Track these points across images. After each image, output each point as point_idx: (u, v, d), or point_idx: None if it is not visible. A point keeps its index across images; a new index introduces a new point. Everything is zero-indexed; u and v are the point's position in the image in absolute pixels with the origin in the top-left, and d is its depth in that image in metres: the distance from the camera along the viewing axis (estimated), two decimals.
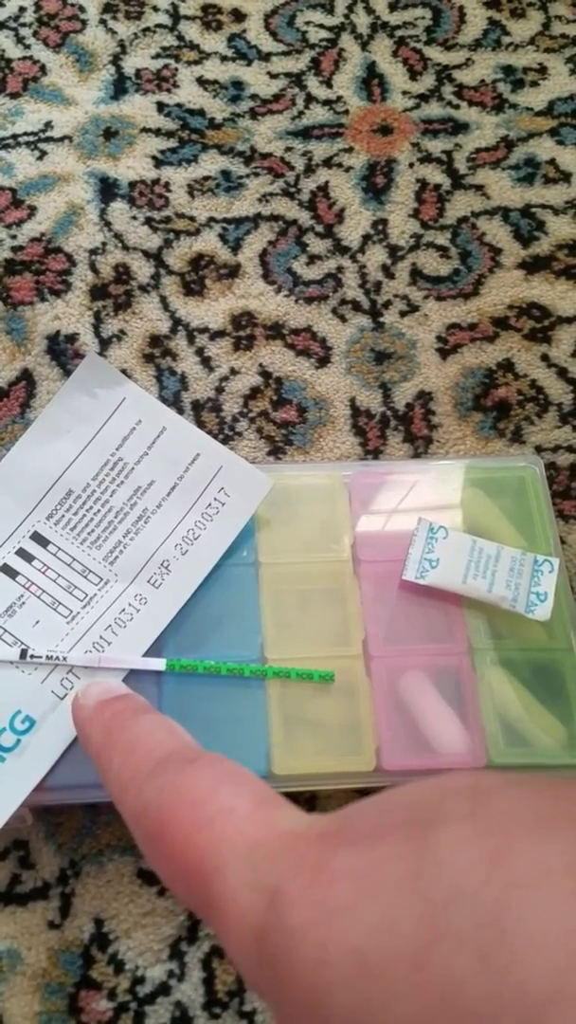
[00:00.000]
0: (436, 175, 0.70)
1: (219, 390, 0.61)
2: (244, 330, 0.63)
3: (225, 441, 0.58)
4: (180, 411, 0.60)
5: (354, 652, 0.49)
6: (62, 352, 0.62)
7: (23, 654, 0.47)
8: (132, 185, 0.68)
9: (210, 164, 0.70)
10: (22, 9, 0.78)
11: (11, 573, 0.50)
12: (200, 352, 0.63)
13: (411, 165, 0.70)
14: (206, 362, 0.62)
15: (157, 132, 0.72)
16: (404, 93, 0.75)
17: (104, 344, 0.62)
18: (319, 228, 0.67)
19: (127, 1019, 0.46)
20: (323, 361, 0.62)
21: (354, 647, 0.49)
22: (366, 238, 0.67)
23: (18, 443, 0.53)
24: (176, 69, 0.75)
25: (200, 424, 0.60)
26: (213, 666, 0.48)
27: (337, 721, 0.48)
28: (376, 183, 0.69)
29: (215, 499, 0.52)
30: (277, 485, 0.53)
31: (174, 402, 0.61)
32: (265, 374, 0.62)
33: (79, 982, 0.46)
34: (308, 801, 0.50)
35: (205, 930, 0.47)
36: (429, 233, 0.67)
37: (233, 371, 0.62)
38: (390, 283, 0.65)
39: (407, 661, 0.49)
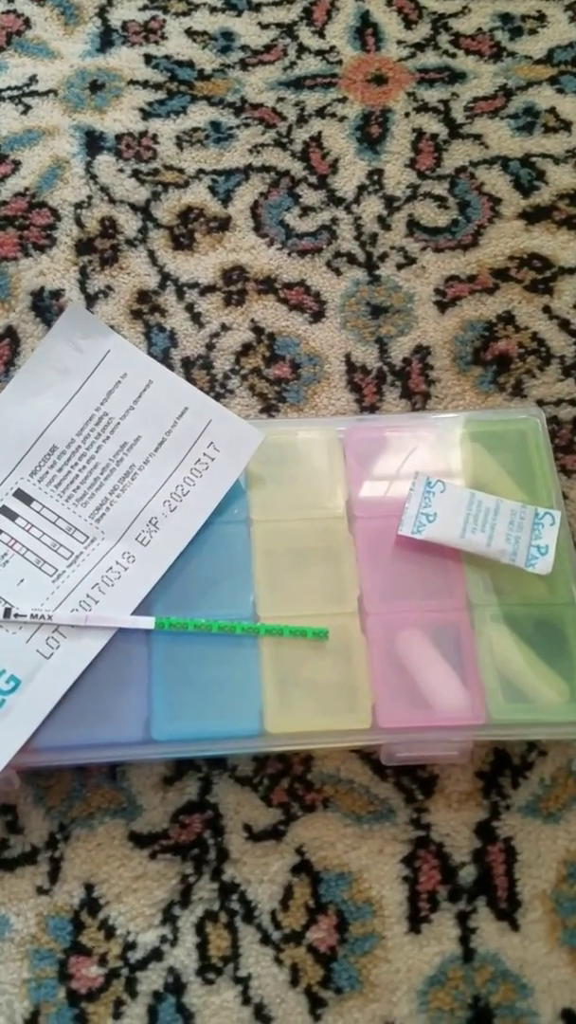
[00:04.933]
0: (433, 124, 0.68)
1: (210, 347, 0.59)
2: (235, 284, 0.61)
3: (217, 399, 0.56)
4: (170, 369, 0.58)
5: (349, 609, 0.47)
6: (47, 308, 0.60)
7: (7, 613, 0.46)
8: (119, 138, 0.66)
9: (199, 115, 0.68)
10: None
11: None
12: (190, 308, 0.61)
13: (407, 115, 0.68)
14: (196, 318, 0.60)
15: (144, 84, 0.69)
16: (399, 42, 0.72)
17: (90, 300, 0.61)
18: (312, 179, 0.65)
19: (118, 985, 0.44)
20: (317, 316, 0.60)
21: (349, 604, 0.48)
22: (361, 189, 0.65)
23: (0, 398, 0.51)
24: (164, 21, 0.73)
25: (191, 382, 0.58)
26: (204, 624, 0.47)
27: (332, 679, 0.46)
28: (371, 133, 0.67)
29: (204, 454, 0.50)
30: (270, 441, 0.51)
31: (164, 359, 0.59)
32: (257, 330, 0.60)
33: (69, 948, 0.45)
34: (304, 761, 0.48)
35: (199, 894, 0.46)
36: (426, 183, 0.65)
37: (224, 327, 0.60)
38: (386, 235, 0.63)
39: (404, 618, 0.47)
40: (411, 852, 0.47)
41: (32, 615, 0.46)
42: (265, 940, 0.45)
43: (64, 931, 0.45)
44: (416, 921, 0.45)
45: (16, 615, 0.46)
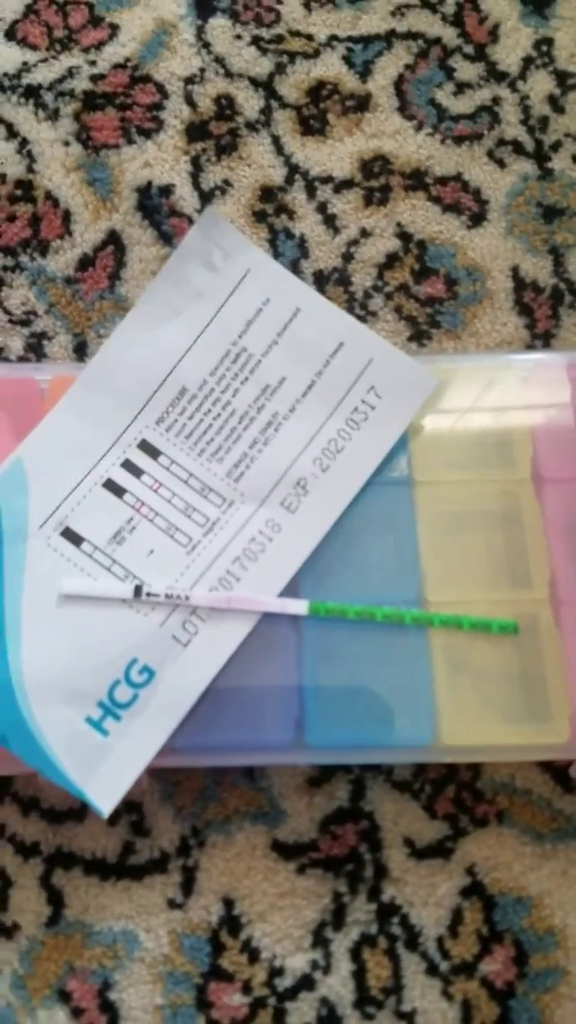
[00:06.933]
0: None
1: (347, 257, 0.50)
2: (377, 179, 0.51)
3: None
4: None
5: (538, 596, 0.40)
6: (155, 209, 0.51)
7: (137, 591, 0.39)
8: None
9: None
10: None
11: (117, 491, 0.40)
12: (322, 208, 0.51)
13: None
14: (330, 221, 0.51)
15: None
16: None
17: (205, 198, 0.51)
18: (468, 49, 0.54)
19: (265, 1017, 0.39)
20: (477, 219, 0.50)
21: (538, 589, 0.40)
22: (527, 61, 0.54)
23: (117, 330, 0.42)
24: None
25: None
26: (366, 611, 0.39)
27: (518, 681, 0.39)
28: None
29: (363, 401, 0.42)
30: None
31: (292, 273, 0.50)
32: (404, 236, 0.50)
33: (208, 972, 0.40)
34: (472, 765, 0.42)
35: (354, 915, 0.40)
36: None
37: (364, 232, 0.50)
38: (559, 119, 0.52)
39: None
40: None
41: (167, 594, 0.39)
42: (432, 971, 0.39)
43: (202, 952, 0.40)
44: None
45: (148, 594, 0.39)
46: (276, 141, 0.52)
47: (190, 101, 0.53)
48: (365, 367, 0.42)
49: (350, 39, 0.54)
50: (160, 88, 0.53)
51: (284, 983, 0.39)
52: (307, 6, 0.55)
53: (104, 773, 0.37)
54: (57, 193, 0.51)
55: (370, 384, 0.41)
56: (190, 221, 0.50)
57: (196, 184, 0.51)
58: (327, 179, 0.52)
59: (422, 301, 0.49)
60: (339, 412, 0.41)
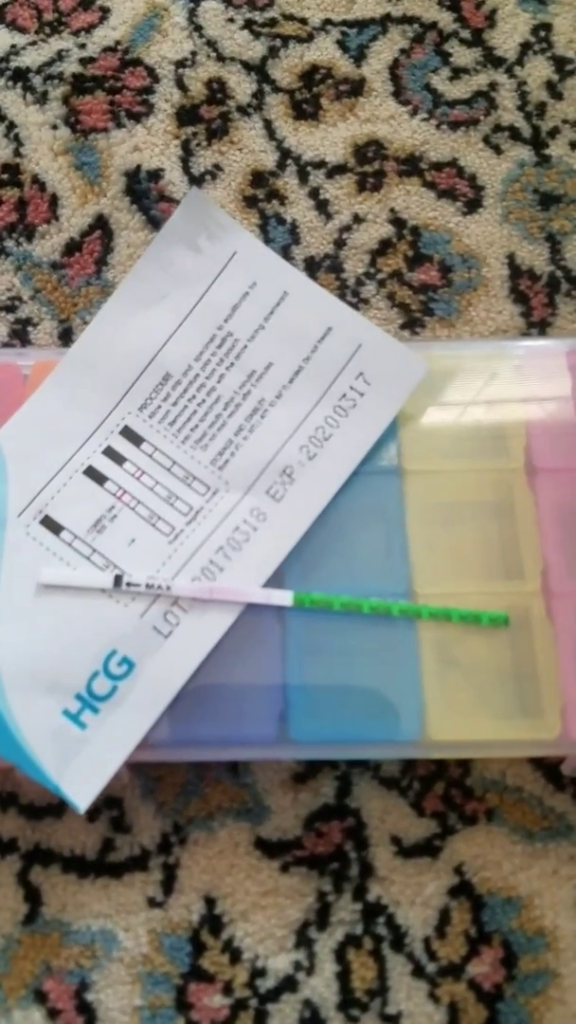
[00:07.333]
0: None
1: (339, 243, 0.49)
2: (371, 164, 0.50)
3: None
4: None
5: (530, 588, 0.39)
6: (144, 193, 0.50)
7: (117, 581, 0.38)
8: None
9: None
10: None
11: (98, 478, 0.39)
12: (315, 193, 0.50)
13: None
14: (322, 206, 0.50)
15: None
16: None
17: (195, 182, 0.50)
18: (465, 33, 0.53)
19: (246, 1018, 0.38)
20: (472, 205, 0.49)
21: (530, 581, 0.39)
22: (525, 47, 0.53)
23: (101, 312, 0.41)
24: None
25: None
26: (352, 602, 0.38)
27: (509, 675, 0.38)
28: None
29: (351, 388, 0.41)
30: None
31: (283, 259, 0.49)
32: (398, 222, 0.49)
33: (188, 972, 0.39)
34: (462, 762, 0.41)
35: (339, 915, 0.39)
36: None
37: (357, 218, 0.49)
38: (557, 105, 0.51)
39: None
40: None
41: (148, 584, 0.38)
42: (418, 972, 0.38)
43: (182, 952, 0.39)
44: None
45: (129, 584, 0.38)
46: (268, 125, 0.51)
47: (181, 85, 0.52)
48: (354, 353, 0.41)
49: (344, 23, 0.54)
50: (151, 72, 0.52)
51: (266, 984, 0.38)
52: None
53: (81, 767, 0.36)
54: (44, 177, 0.50)
55: (359, 370, 0.40)
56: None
57: (186, 169, 0.50)
58: (320, 164, 0.51)
59: (415, 288, 0.48)
60: (327, 399, 0.40)
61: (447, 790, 0.41)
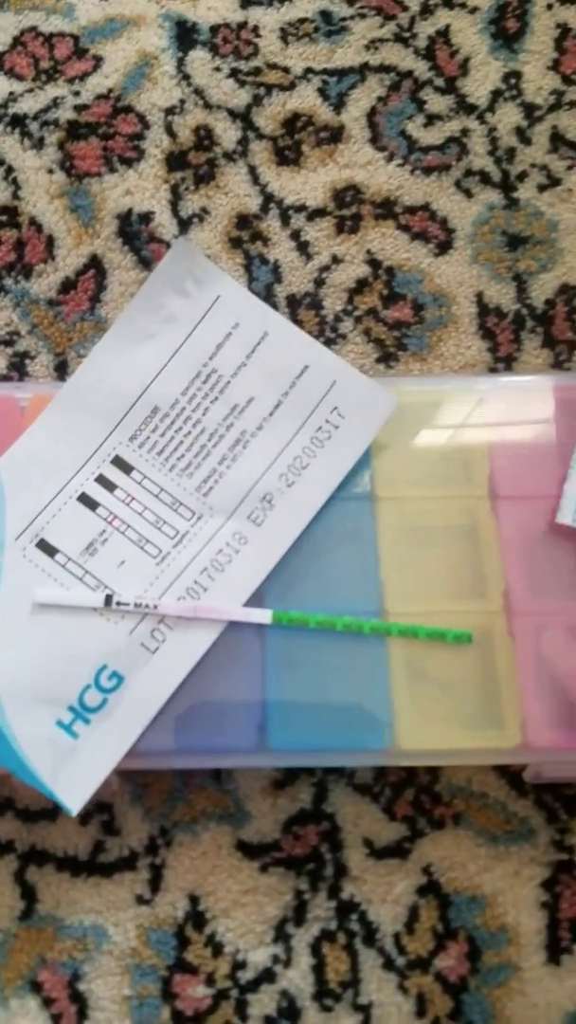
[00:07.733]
0: None
1: (319, 283, 0.52)
2: (349, 208, 0.54)
3: (326, 345, 0.49)
4: (272, 308, 0.51)
5: (493, 607, 0.42)
6: (135, 235, 0.53)
7: (108, 600, 0.41)
8: (214, 30, 0.57)
9: (307, 4, 0.58)
10: None
11: (91, 504, 0.42)
12: (296, 235, 0.53)
13: (549, 7, 0.58)
14: (303, 248, 0.53)
15: None
16: None
17: (183, 225, 0.53)
18: (439, 82, 0.56)
19: (227, 1008, 0.41)
20: (444, 247, 0.53)
21: (492, 601, 0.42)
22: (496, 94, 0.56)
23: (95, 350, 0.44)
24: None
25: (296, 324, 0.51)
26: (327, 620, 0.41)
27: (474, 689, 0.41)
28: (507, 28, 0.58)
29: (327, 421, 0.44)
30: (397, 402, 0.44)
31: (266, 297, 0.52)
32: (374, 263, 0.52)
33: (173, 965, 0.41)
34: (431, 769, 0.43)
35: (315, 912, 0.42)
36: (572, 90, 0.56)
37: (335, 259, 0.53)
38: (526, 150, 0.55)
39: (558, 619, 0.41)
40: (551, 876, 0.42)
41: (136, 603, 0.41)
42: (388, 965, 0.41)
43: (168, 946, 0.42)
44: (556, 951, 0.41)
45: (119, 603, 0.41)
46: (252, 171, 0.54)
47: (170, 131, 0.55)
48: (329, 388, 0.44)
49: (325, 72, 0.57)
50: (141, 118, 0.55)
51: (246, 976, 0.41)
52: (284, 39, 0.57)
53: (73, 774, 0.39)
54: (41, 219, 0.53)
55: (333, 404, 0.44)
56: (168, 247, 0.52)
57: (175, 211, 0.54)
58: (301, 208, 0.54)
59: (390, 325, 0.51)
60: (304, 431, 0.43)
61: (416, 796, 0.43)
